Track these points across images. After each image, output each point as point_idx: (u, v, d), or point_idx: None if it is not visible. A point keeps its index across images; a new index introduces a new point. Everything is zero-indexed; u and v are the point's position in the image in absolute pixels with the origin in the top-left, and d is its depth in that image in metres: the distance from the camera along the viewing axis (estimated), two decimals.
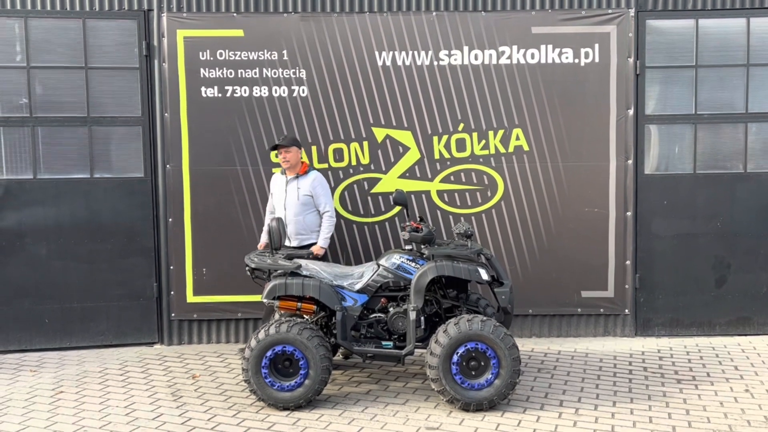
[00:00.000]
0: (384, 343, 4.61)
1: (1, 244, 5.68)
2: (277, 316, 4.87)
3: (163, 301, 5.92)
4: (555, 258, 5.89)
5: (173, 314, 5.92)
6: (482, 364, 4.28)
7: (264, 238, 5.34)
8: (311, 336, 4.33)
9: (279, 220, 4.74)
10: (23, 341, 5.77)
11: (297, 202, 5.22)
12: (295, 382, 4.34)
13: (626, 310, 5.93)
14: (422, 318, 4.59)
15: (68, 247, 5.76)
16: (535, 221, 5.87)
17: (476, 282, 4.52)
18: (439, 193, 5.88)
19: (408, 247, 4.78)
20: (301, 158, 5.36)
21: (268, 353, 4.32)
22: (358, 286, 4.64)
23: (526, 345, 5.74)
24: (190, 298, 5.89)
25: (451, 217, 5.88)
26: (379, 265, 4.69)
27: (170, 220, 5.86)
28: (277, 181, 5.43)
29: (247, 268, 4.61)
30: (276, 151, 5.30)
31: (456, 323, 4.28)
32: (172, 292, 5.90)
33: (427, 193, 5.88)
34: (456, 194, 5.88)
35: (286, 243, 5.13)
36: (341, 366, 5.21)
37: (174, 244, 5.87)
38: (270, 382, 4.33)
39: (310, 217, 5.28)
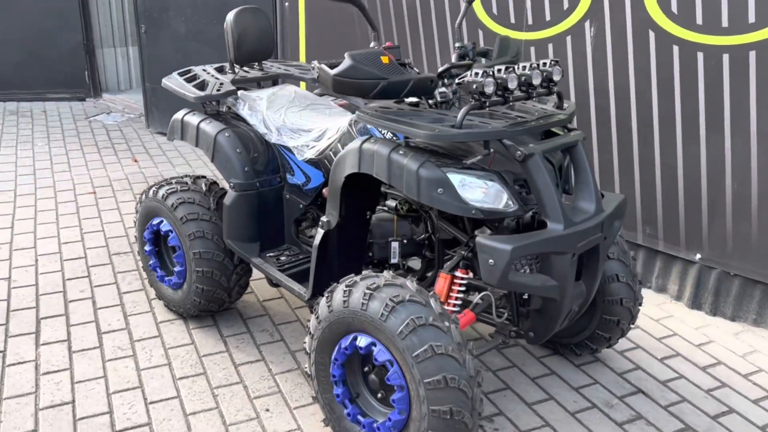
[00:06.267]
0: None
1: (152, 15, 5.12)
2: None
3: None
4: None
5: None
6: (392, 383, 1.86)
7: None
8: (176, 204, 2.53)
9: (252, 10, 2.73)
10: None
11: None
12: (172, 280, 2.70)
13: None
14: (395, 244, 2.28)
15: (201, 27, 4.87)
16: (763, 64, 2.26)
17: (448, 211, 1.85)
18: None
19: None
20: None
21: (148, 226, 2.75)
22: (309, 154, 2.48)
23: (692, 334, 2.58)
24: None
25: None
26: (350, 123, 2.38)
27: (286, 4, 4.31)
28: None
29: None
30: None
31: (332, 290, 1.92)
32: None
33: None
34: None
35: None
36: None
37: (290, 40, 4.37)
38: (153, 265, 2.80)
39: None
